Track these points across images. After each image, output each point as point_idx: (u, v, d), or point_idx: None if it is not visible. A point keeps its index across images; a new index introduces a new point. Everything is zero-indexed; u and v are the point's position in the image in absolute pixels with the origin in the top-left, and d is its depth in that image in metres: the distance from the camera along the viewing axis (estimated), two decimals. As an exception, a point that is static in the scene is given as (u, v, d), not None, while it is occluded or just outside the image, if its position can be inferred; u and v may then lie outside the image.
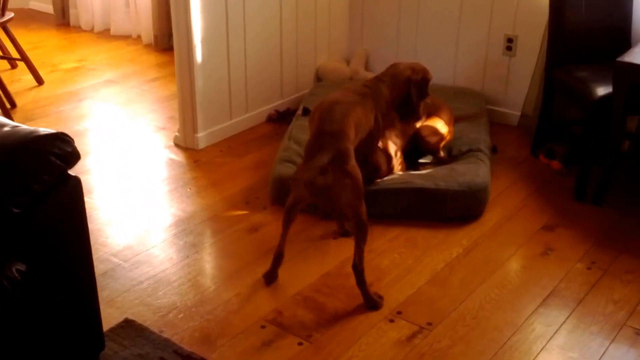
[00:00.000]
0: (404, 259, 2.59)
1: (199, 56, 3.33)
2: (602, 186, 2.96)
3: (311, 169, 2.21)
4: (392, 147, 2.97)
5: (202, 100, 3.43)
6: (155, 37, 5.08)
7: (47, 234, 1.72)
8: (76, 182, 1.78)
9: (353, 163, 2.27)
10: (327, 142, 2.25)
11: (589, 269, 2.54)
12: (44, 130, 1.72)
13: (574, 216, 2.90)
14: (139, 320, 2.24)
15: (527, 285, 2.46)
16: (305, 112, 3.52)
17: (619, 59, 2.77)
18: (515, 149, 3.51)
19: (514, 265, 2.56)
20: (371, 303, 2.32)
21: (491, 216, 2.88)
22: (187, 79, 3.36)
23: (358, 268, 2.29)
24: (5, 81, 4.10)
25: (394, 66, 2.69)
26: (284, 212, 2.39)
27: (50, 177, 1.69)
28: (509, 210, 2.94)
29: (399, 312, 2.30)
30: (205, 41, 3.34)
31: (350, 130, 2.34)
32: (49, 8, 5.89)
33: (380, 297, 2.36)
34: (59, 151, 1.70)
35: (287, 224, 2.40)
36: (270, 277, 2.45)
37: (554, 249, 2.67)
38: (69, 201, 1.78)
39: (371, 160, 2.75)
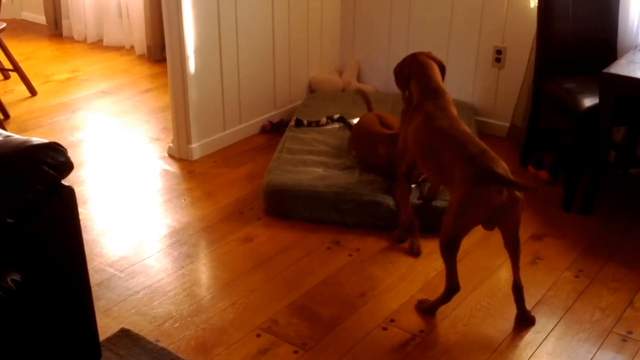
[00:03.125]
0: (397, 268, 2.62)
1: (192, 67, 3.34)
2: (589, 196, 2.99)
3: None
4: None
5: (196, 111, 3.43)
6: (149, 48, 5.08)
7: (41, 243, 1.71)
8: (70, 192, 1.77)
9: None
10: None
11: (576, 277, 2.58)
12: (37, 140, 1.71)
13: (561, 226, 2.93)
14: (135, 329, 2.24)
15: (516, 293, 2.50)
16: (298, 123, 3.55)
17: (605, 70, 2.80)
18: (504, 160, 3.47)
19: (504, 273, 2.58)
20: (529, 320, 2.31)
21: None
22: (181, 90, 3.37)
23: (519, 286, 2.28)
24: (-2, 92, 4.14)
25: None
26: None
27: (44, 186, 1.68)
28: (498, 219, 2.98)
29: (392, 320, 2.32)
30: (198, 52, 3.36)
31: None
32: (41, 19, 5.87)
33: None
34: (52, 161, 1.69)
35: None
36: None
37: (542, 257, 2.70)
38: (62, 211, 1.76)
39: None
